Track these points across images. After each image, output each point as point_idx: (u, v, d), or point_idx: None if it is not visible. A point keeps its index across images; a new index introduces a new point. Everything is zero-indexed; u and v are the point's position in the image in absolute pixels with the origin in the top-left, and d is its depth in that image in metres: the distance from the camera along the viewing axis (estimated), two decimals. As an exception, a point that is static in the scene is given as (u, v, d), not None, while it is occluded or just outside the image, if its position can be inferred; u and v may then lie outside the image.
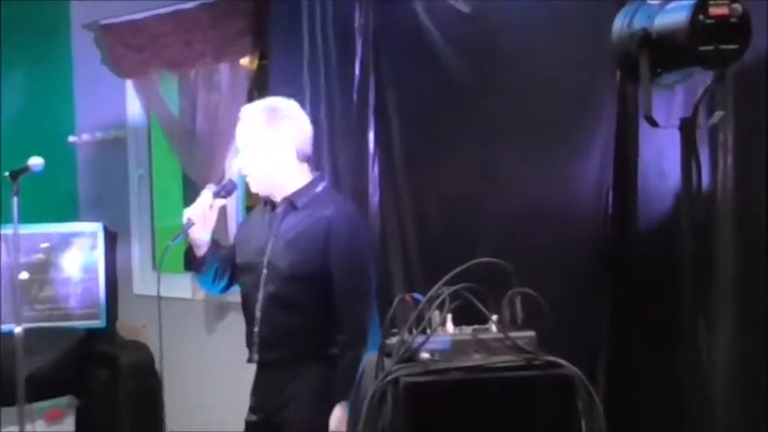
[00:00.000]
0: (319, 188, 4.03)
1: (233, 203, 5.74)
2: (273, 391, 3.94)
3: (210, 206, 3.99)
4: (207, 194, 4.02)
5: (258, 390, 4.04)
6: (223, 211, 5.66)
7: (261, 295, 3.91)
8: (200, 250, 4.06)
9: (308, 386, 3.87)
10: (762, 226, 3.61)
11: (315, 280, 3.85)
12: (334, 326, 3.84)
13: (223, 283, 4.20)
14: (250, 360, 3.98)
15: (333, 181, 4.96)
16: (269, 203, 4.04)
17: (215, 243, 4.13)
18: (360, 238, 4.01)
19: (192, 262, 4.11)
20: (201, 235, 4.00)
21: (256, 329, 3.93)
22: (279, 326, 3.89)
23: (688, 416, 3.64)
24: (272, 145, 3.94)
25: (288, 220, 3.95)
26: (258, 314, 3.92)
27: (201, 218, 3.96)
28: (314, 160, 4.95)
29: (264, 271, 3.91)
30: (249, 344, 3.98)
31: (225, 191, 4.06)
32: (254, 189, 3.98)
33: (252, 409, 4.07)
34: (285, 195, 3.98)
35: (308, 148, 4.04)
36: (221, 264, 4.13)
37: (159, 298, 3.92)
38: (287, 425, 3.91)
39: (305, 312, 3.87)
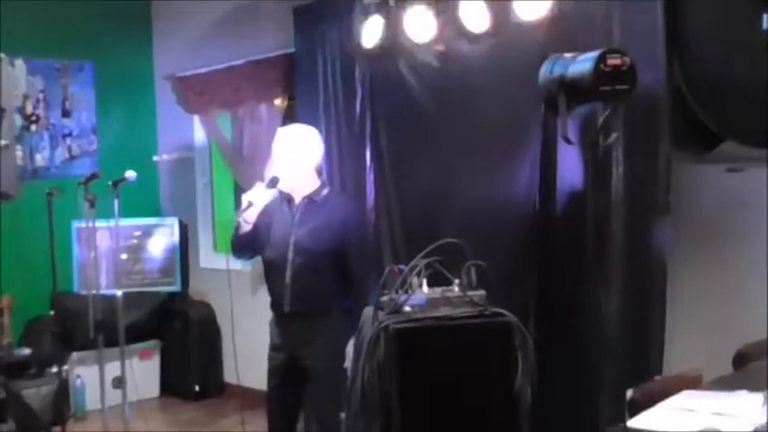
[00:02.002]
0: (327, 190, 4.01)
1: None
2: (300, 334, 3.89)
3: (262, 193, 3.94)
4: (260, 185, 3.97)
5: (285, 334, 3.96)
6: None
7: (289, 264, 3.85)
8: (245, 228, 3.95)
9: (325, 331, 3.83)
10: (644, 214, 3.61)
11: (332, 254, 3.82)
12: (349, 286, 3.82)
13: (246, 256, 4.17)
14: (282, 311, 3.91)
15: (341, 184, 4.97)
16: (287, 200, 3.99)
17: (255, 226, 4.04)
18: (362, 226, 4.05)
19: (236, 246, 4.04)
20: (254, 215, 3.93)
21: (288, 289, 3.86)
22: (306, 286, 3.84)
23: (592, 346, 3.65)
24: (299, 157, 3.91)
25: (309, 211, 3.91)
26: (288, 278, 3.86)
27: (256, 201, 3.92)
28: (327, 170, 4.98)
29: (291, 247, 3.86)
30: (279, 299, 3.92)
31: (272, 184, 3.97)
32: (283, 187, 3.95)
33: (276, 349, 4.00)
34: (305, 194, 3.94)
35: (320, 161, 4.06)
36: (250, 242, 4.04)
37: (228, 271, 3.94)
38: (310, 359, 3.87)
39: (324, 277, 3.83)
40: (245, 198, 3.91)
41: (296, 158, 3.91)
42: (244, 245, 4.01)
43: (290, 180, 3.93)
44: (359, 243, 3.93)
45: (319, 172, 4.04)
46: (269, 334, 4.07)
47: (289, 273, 3.86)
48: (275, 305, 3.98)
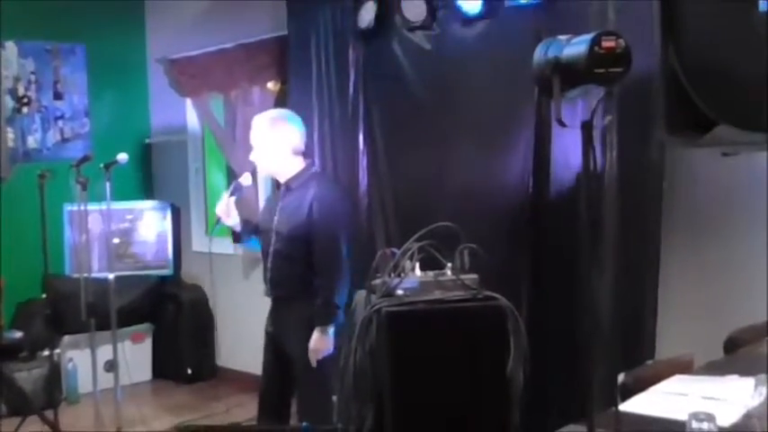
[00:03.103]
0: (308, 174, 3.94)
1: (263, 186, 5.72)
2: (279, 317, 3.95)
3: (227, 203, 3.98)
4: (224, 196, 4.01)
5: (271, 315, 4.03)
6: (255, 193, 5.66)
7: (271, 250, 3.89)
8: (237, 227, 4.09)
9: (298, 315, 3.84)
10: (637, 199, 3.61)
11: (304, 240, 3.80)
12: (314, 273, 3.79)
13: (252, 241, 4.21)
14: (266, 294, 3.99)
15: (334, 168, 4.95)
16: (276, 185, 4.03)
17: (246, 221, 4.10)
18: (333, 209, 3.84)
19: (236, 238, 4.21)
20: (230, 222, 4.02)
21: (269, 274, 3.92)
22: (282, 272, 3.87)
23: (584, 331, 3.64)
24: (272, 143, 3.89)
25: (286, 198, 3.92)
26: (269, 264, 3.90)
27: (225, 211, 3.96)
28: (320, 153, 4.97)
29: (273, 234, 3.89)
30: (265, 283, 3.99)
31: (235, 191, 4.03)
32: (262, 174, 3.99)
33: (267, 330, 4.05)
34: (284, 180, 3.94)
35: (299, 144, 3.93)
36: (252, 232, 4.12)
37: (210, 254, 3.95)
38: (287, 345, 3.92)
39: (297, 263, 3.82)
40: (218, 210, 3.99)
41: (269, 144, 3.89)
42: (238, 234, 4.19)
43: (266, 166, 3.97)
44: (327, 227, 3.80)
45: (302, 154, 3.97)
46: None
47: (270, 259, 3.90)
48: (265, 289, 4.03)
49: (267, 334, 4.04)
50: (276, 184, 4.03)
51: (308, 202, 3.81)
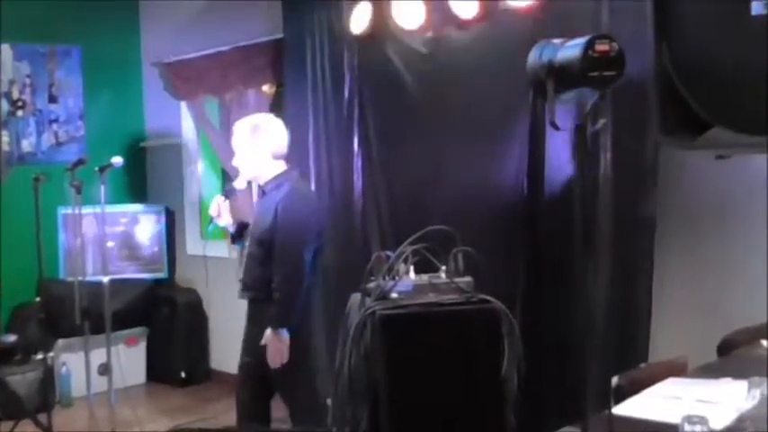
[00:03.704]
0: (284, 177, 3.93)
1: (257, 190, 5.71)
2: (253, 318, 3.95)
3: (219, 204, 4.01)
4: (217, 197, 4.04)
5: (248, 318, 4.03)
6: (250, 195, 5.66)
7: (245, 253, 3.93)
8: (230, 228, 4.10)
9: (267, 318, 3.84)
10: (631, 201, 3.61)
11: (270, 242, 3.80)
12: (272, 272, 3.79)
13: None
14: (240, 296, 3.99)
15: (328, 171, 4.96)
16: (259, 189, 4.04)
17: (240, 223, 4.13)
18: (296, 209, 3.81)
19: (233, 238, 4.20)
20: (224, 223, 4.05)
21: (242, 276, 3.95)
22: (252, 275, 3.89)
23: (578, 333, 3.64)
24: (252, 148, 3.92)
25: (261, 201, 3.96)
26: (243, 267, 3.94)
27: (217, 211, 4.00)
28: (315, 156, 4.97)
29: (250, 237, 3.93)
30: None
31: (227, 193, 4.08)
32: (245, 177, 3.98)
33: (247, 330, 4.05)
34: (262, 183, 3.97)
35: (280, 149, 3.94)
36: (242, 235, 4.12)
37: (205, 257, 3.94)
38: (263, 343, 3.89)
39: (265, 266, 3.82)
40: (211, 210, 4.01)
41: (249, 149, 3.91)
42: (233, 236, 4.15)
43: (248, 170, 3.96)
44: (287, 228, 3.77)
45: (283, 158, 3.97)
46: None
47: (243, 261, 3.94)
48: None
49: (246, 335, 4.03)
50: (259, 188, 4.05)
51: (272, 206, 3.82)
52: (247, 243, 3.94)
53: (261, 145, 3.90)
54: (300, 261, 3.76)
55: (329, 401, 3.16)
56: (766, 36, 1.98)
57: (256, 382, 3.96)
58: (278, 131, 3.96)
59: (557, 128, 2.53)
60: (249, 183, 4.21)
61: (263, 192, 3.96)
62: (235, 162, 4.00)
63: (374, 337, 2.72)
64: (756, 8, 2.00)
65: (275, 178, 3.91)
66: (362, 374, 2.75)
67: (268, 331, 3.77)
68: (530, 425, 3.14)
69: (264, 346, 3.80)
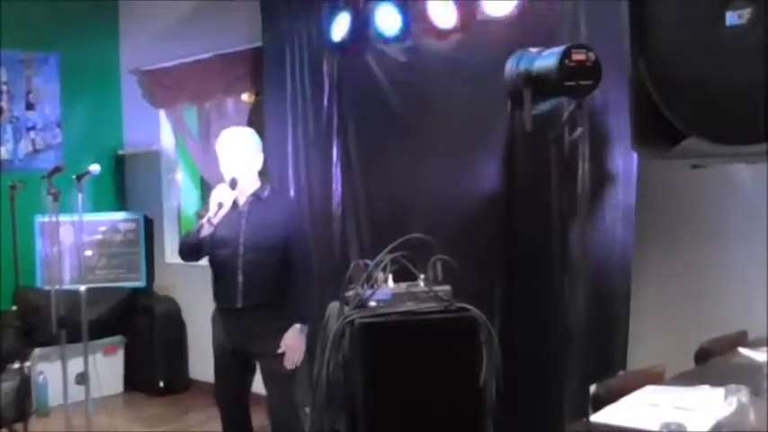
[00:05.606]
0: (267, 188, 4.03)
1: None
2: (250, 328, 3.88)
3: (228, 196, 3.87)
4: (224, 186, 3.85)
5: (233, 329, 3.93)
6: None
7: (240, 262, 3.86)
8: (207, 230, 3.85)
9: (274, 322, 3.86)
10: (609, 210, 3.63)
11: (279, 250, 3.86)
12: (292, 277, 3.88)
13: (196, 258, 4.08)
14: (233, 307, 3.89)
15: (307, 180, 4.95)
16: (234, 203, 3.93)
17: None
18: (303, 224, 4.24)
19: (192, 247, 3.98)
20: (219, 217, 3.86)
21: (240, 285, 3.87)
22: (257, 281, 3.86)
23: (556, 342, 3.66)
24: (254, 158, 3.97)
25: (255, 210, 3.93)
26: (240, 275, 3.86)
27: (226, 202, 3.85)
28: (293, 165, 4.97)
29: (241, 245, 3.87)
30: (230, 296, 3.90)
31: (233, 185, 3.86)
32: (242, 186, 3.90)
33: (221, 344, 3.98)
34: (248, 194, 3.94)
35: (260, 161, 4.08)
36: (206, 244, 3.97)
37: (183, 266, 3.82)
38: (260, 350, 3.89)
39: (273, 271, 3.86)
40: (213, 200, 3.85)
41: (250, 160, 3.94)
42: (200, 248, 3.96)
43: (247, 180, 3.93)
44: (304, 239, 4.06)
45: (260, 173, 4.06)
46: (212, 330, 4.05)
47: (240, 270, 3.87)
48: (224, 301, 3.96)
49: (220, 351, 3.99)
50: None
51: (282, 216, 3.92)
52: (239, 251, 3.87)
53: (256, 157, 3.98)
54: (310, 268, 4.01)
55: (307, 410, 3.15)
56: (740, 46, 2.00)
57: (241, 390, 4.03)
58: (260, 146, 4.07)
59: (534, 137, 2.55)
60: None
61: (257, 199, 3.95)
62: (233, 172, 3.90)
63: (352, 346, 2.72)
64: (731, 19, 2.01)
65: (261, 189, 3.99)
66: (341, 383, 2.75)
67: (292, 331, 3.82)
68: (508, 433, 3.14)
69: (256, 354, 3.88)
